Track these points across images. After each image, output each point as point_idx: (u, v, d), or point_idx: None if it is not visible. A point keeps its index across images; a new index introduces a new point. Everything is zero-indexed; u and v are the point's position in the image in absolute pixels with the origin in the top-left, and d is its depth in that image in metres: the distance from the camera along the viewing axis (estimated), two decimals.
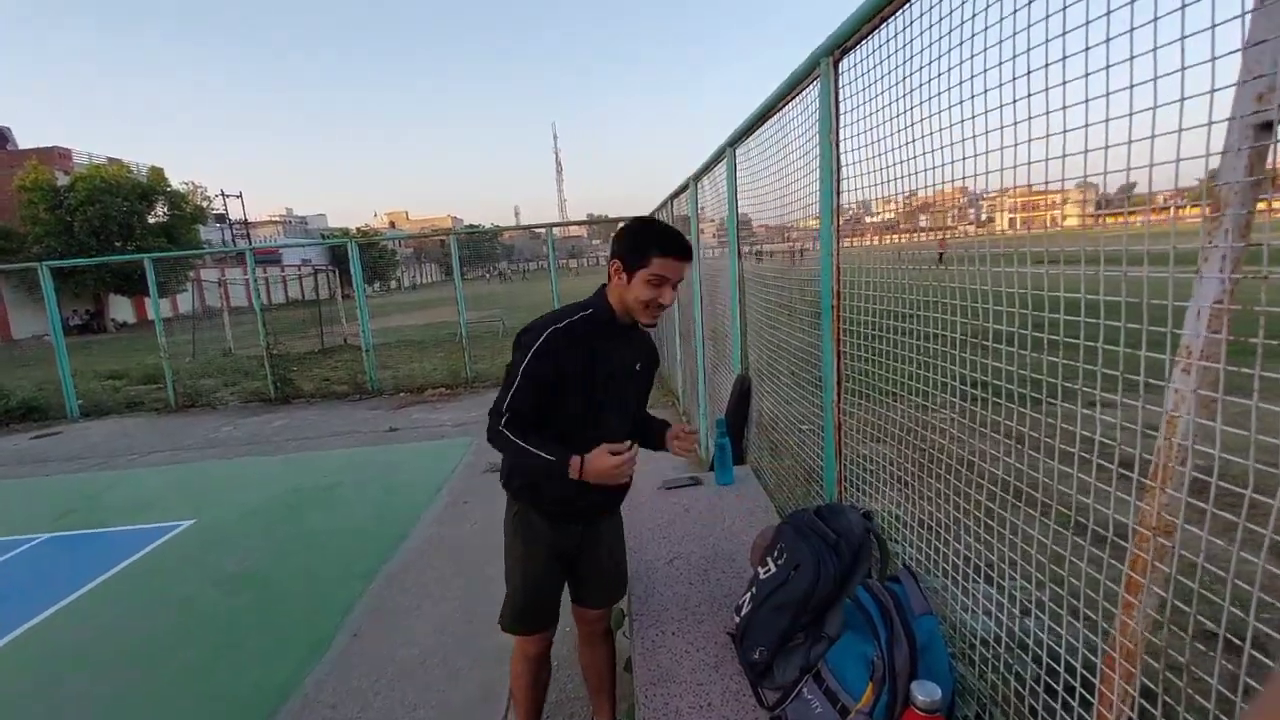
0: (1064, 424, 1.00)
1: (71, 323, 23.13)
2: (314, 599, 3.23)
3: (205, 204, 28.44)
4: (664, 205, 6.70)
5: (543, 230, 10.15)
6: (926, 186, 1.42)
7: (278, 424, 7.29)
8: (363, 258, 8.88)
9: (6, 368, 10.84)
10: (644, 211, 8.87)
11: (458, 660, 2.63)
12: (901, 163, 1.42)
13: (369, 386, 8.59)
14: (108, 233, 23.50)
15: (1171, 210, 0.87)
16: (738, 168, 2.96)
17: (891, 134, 1.43)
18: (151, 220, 25.33)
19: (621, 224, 1.65)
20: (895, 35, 1.37)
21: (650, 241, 1.52)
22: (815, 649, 1.40)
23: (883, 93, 1.45)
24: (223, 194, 37.05)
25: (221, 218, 37.70)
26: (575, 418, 1.63)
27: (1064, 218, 1.40)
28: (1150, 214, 0.95)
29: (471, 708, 2.35)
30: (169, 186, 25.95)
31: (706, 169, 3.85)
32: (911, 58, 1.30)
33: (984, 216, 1.56)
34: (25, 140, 29.74)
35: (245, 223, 40.91)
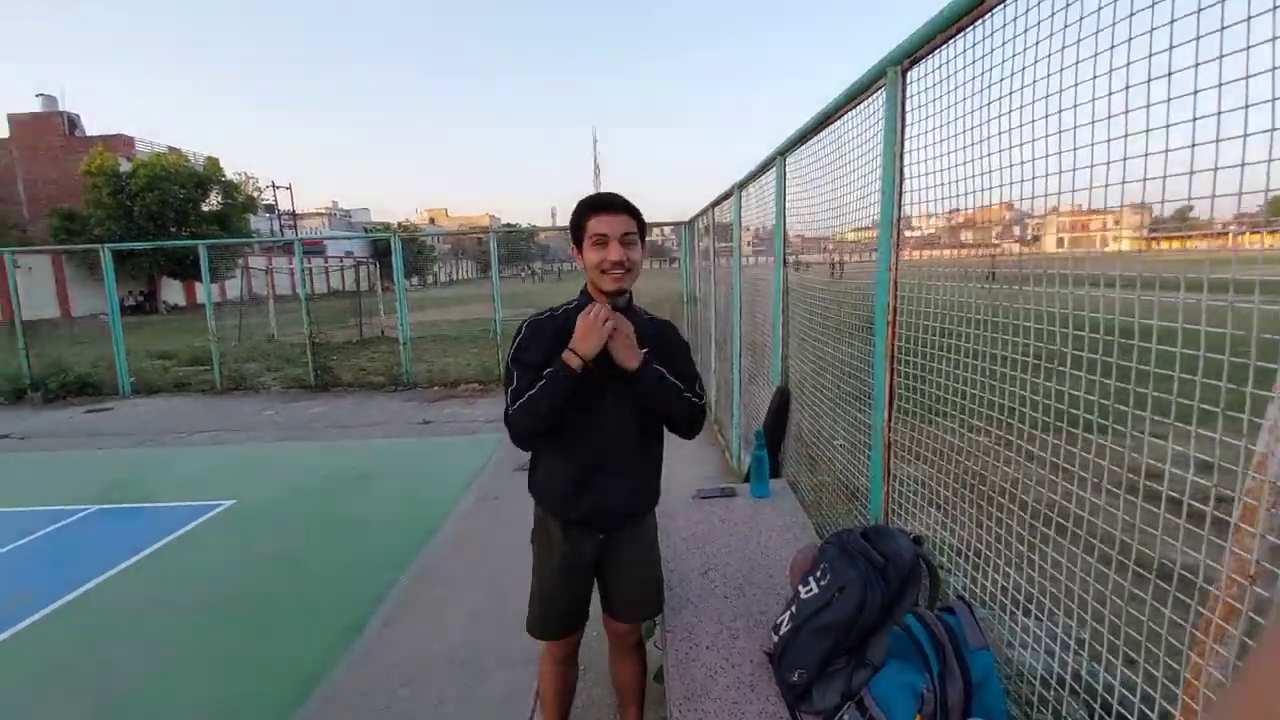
0: (1134, 455, 0.95)
1: (126, 303, 24.12)
2: (347, 586, 3.28)
3: (256, 194, 29.40)
4: (704, 212, 6.67)
5: None
6: (994, 203, 1.37)
7: (316, 410, 7.47)
8: (403, 252, 9.05)
9: (65, 343, 11.34)
10: (681, 217, 8.85)
11: (486, 658, 2.64)
12: (970, 178, 1.38)
13: (404, 379, 8.74)
14: (164, 218, 24.45)
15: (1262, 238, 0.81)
16: (787, 176, 2.92)
17: (962, 147, 1.38)
18: (205, 208, 26.29)
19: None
20: (972, 46, 1.33)
21: (581, 210, 1.63)
22: (858, 675, 1.36)
23: (954, 105, 1.40)
24: (273, 185, 38.29)
25: (271, 208, 38.95)
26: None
27: (1124, 239, 1.33)
28: (1239, 239, 0.89)
29: (498, 706, 2.35)
30: (223, 176, 26.89)
31: (753, 177, 3.80)
32: (990, 70, 1.25)
33: (1059, 237, 1.50)
34: (92, 128, 31.18)
35: (293, 214, 42.18)
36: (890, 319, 1.67)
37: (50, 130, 29.61)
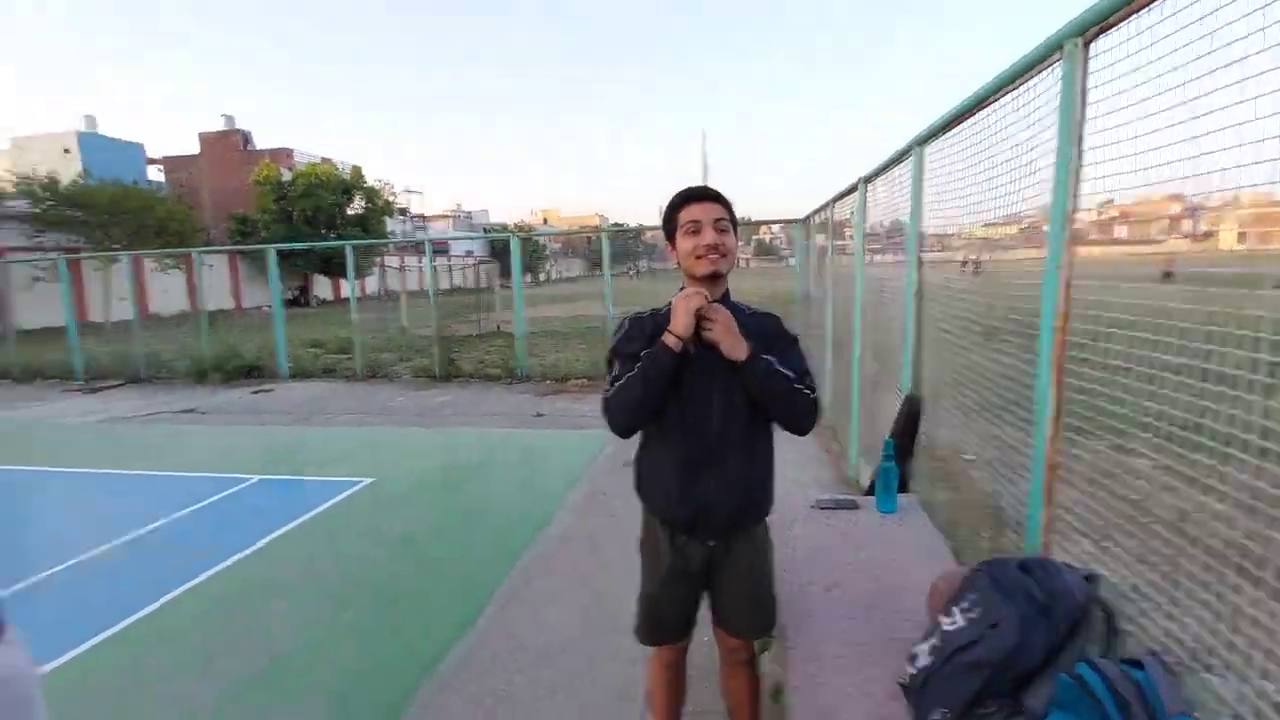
0: None
1: (285, 297, 27.25)
2: (467, 571, 3.47)
3: (392, 199, 32.14)
4: (822, 208, 6.40)
5: None
6: (1195, 192, 1.17)
7: (441, 399, 7.99)
8: (520, 251, 9.46)
9: (237, 332, 12.97)
10: (788, 215, 8.56)
11: (597, 652, 2.67)
12: (1173, 163, 1.18)
13: (519, 372, 9.15)
14: (318, 221, 27.39)
15: None
16: (925, 168, 2.71)
17: (1164, 127, 1.19)
18: (350, 212, 29.14)
19: None
20: (1179, 11, 1.13)
21: (671, 205, 1.66)
22: None
23: (1154, 79, 1.21)
24: (408, 190, 41.67)
25: (404, 211, 42.37)
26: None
27: None
28: None
29: (609, 703, 2.36)
30: (365, 183, 29.66)
31: (882, 170, 3.58)
32: (1201, 38, 1.06)
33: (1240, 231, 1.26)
34: (259, 143, 35.48)
35: (423, 216, 45.65)
36: (1060, 324, 1.48)
37: (229, 146, 34.11)
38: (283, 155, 32.62)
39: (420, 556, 3.67)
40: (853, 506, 2.53)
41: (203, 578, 3.43)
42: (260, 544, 3.83)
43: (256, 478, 5.08)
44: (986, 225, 2.27)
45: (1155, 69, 1.22)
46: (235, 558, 3.66)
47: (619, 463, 5.04)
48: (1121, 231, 1.80)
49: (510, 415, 7.02)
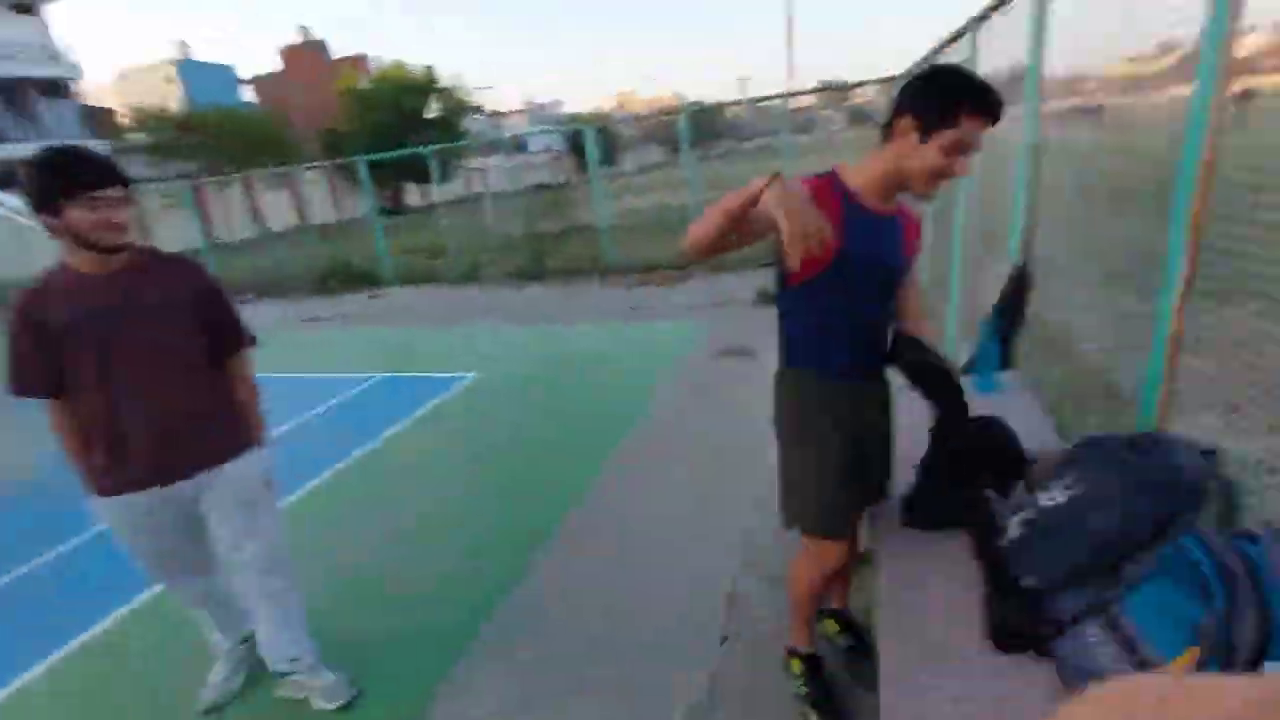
0: None
1: (381, 206, 28.43)
2: (572, 454, 3.76)
3: (467, 98, 31.71)
4: (925, 60, 5.67)
5: (769, 103, 9.42)
6: None
7: (532, 296, 8.29)
8: (597, 143, 9.21)
9: (343, 241, 13.80)
10: (889, 73, 7.66)
11: (699, 529, 2.87)
12: None
13: (607, 266, 9.22)
14: (399, 129, 27.71)
15: None
16: None
17: None
18: (428, 116, 29.17)
19: (915, 75, 1.35)
20: None
21: (964, 95, 1.25)
22: (1106, 594, 1.22)
23: None
24: (477, 88, 40.87)
25: (479, 109, 41.84)
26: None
27: None
28: None
29: (706, 578, 2.54)
30: (439, 84, 29.33)
31: (997, 5, 3.08)
32: None
33: None
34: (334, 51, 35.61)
35: (498, 113, 44.96)
36: (1203, 174, 1.29)
37: (310, 59, 34.49)
38: (359, 62, 32.68)
39: (529, 440, 4.03)
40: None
41: (337, 467, 3.94)
42: (388, 432, 4.32)
43: (379, 375, 5.63)
44: (1130, 60, 1.94)
45: None
46: (366, 448, 4.16)
47: (714, 352, 5.10)
48: None
49: (602, 310, 7.19)
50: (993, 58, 3.42)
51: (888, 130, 1.36)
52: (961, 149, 1.28)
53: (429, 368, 5.74)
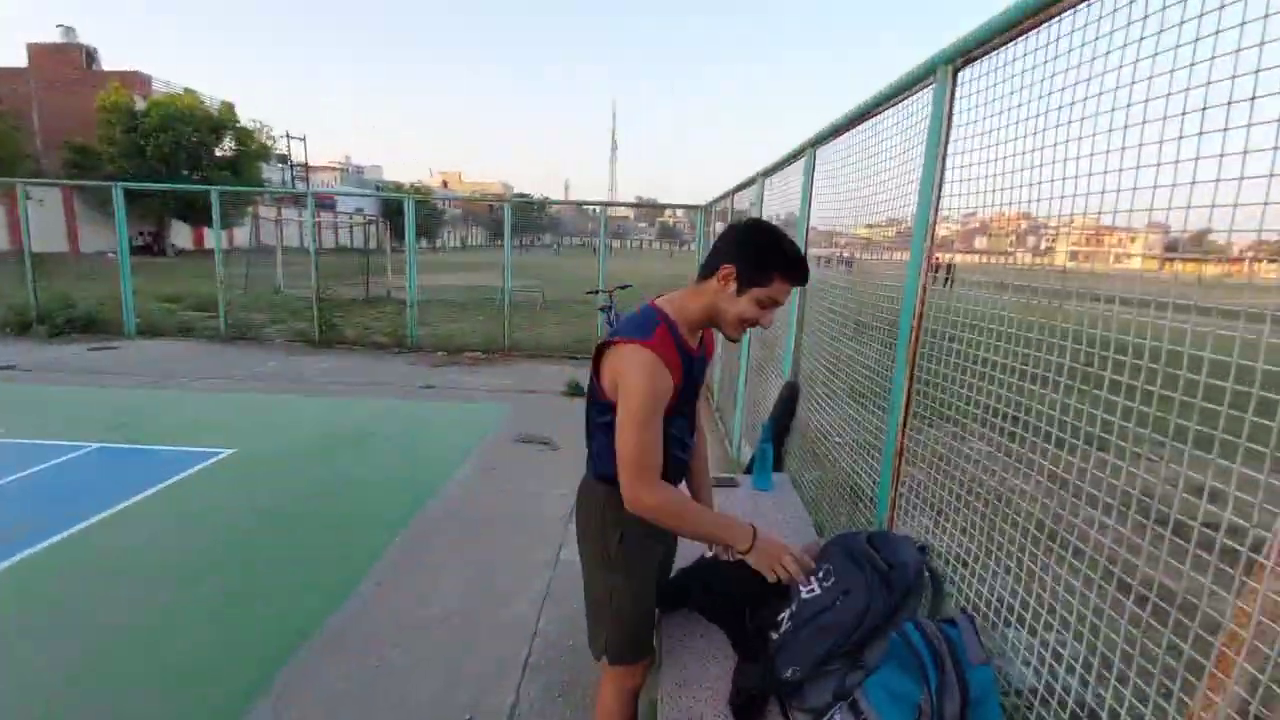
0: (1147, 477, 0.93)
1: (134, 243, 23.99)
2: (342, 543, 3.30)
3: (269, 143, 29.15)
4: (723, 198, 6.60)
5: (590, 207, 10.12)
6: (1054, 216, 1.33)
7: (320, 366, 7.47)
8: (415, 214, 8.98)
9: (72, 279, 11.32)
10: (694, 200, 8.76)
11: (477, 626, 2.66)
12: (1019, 187, 1.34)
13: (409, 341, 8.73)
14: (177, 160, 24.28)
15: None
16: (816, 169, 2.87)
17: (1012, 154, 1.34)
18: (218, 153, 26.10)
19: (741, 224, 1.48)
20: (1034, 50, 1.28)
21: (778, 262, 1.39)
22: (851, 677, 1.36)
23: (1006, 110, 1.36)
24: (288, 135, 37.90)
25: (284, 158, 38.61)
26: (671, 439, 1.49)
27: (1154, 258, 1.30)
28: None
29: (487, 677, 2.37)
30: (237, 122, 26.64)
31: (779, 166, 3.75)
32: (1051, 77, 1.21)
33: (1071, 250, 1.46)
34: (109, 64, 30.77)
35: (306, 166, 41.82)
36: (915, 324, 1.64)
37: (68, 62, 29.26)
38: (136, 81, 28.47)
39: (292, 526, 3.45)
40: (732, 484, 2.68)
41: (19, 557, 3.02)
42: (98, 517, 3.43)
43: (95, 445, 4.51)
44: (868, 226, 2.45)
45: (1009, 102, 1.37)
46: (68, 531, 3.25)
47: (510, 438, 4.99)
48: (981, 243, 2.02)
49: (396, 385, 6.70)
50: (773, 203, 4.11)
51: (707, 271, 1.45)
52: (771, 304, 1.42)
53: (170, 440, 4.76)
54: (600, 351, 1.48)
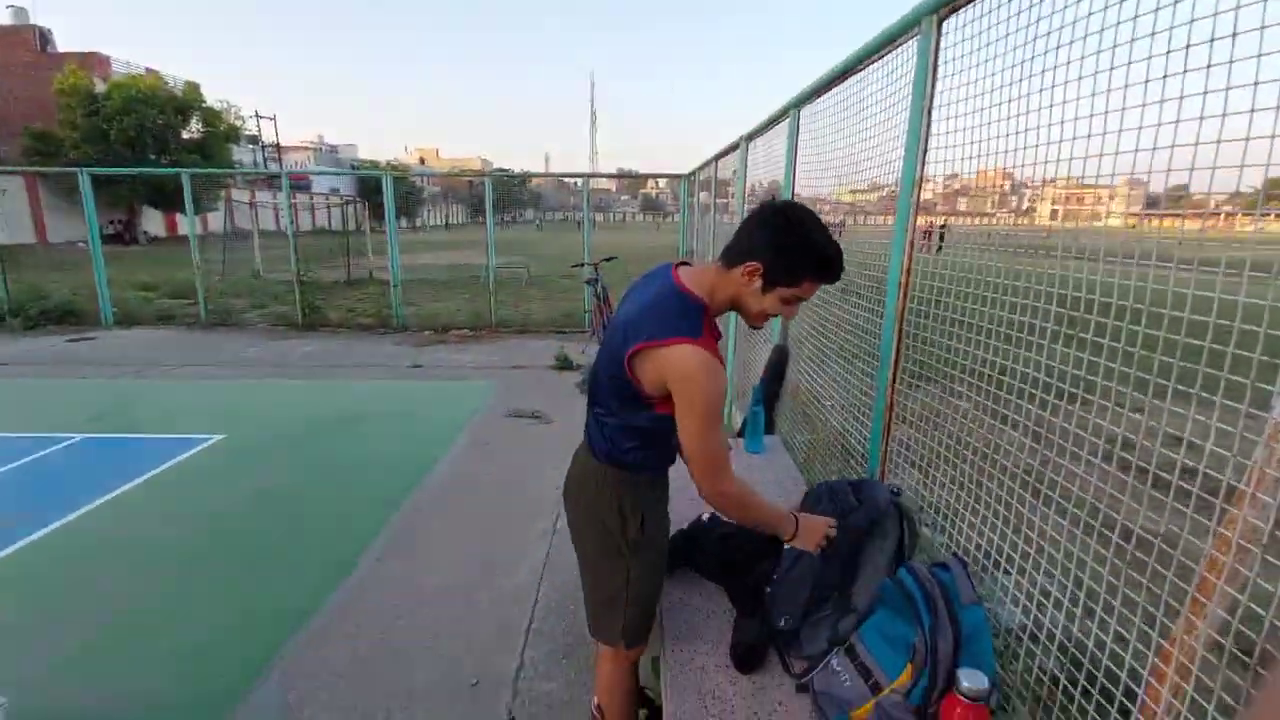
0: (1136, 421, 0.96)
1: (105, 231, 23.34)
2: (339, 523, 3.32)
3: (239, 124, 28.28)
4: (706, 165, 6.53)
5: (572, 180, 9.99)
6: (1033, 164, 1.33)
7: (305, 350, 7.39)
8: (393, 193, 8.81)
9: (43, 271, 11.05)
10: (678, 169, 8.66)
11: (478, 597, 2.70)
12: (1005, 136, 1.34)
13: (394, 322, 8.65)
14: (142, 144, 23.51)
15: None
16: (800, 130, 2.84)
17: (997, 105, 1.34)
18: (186, 136, 25.30)
19: (774, 212, 1.35)
20: None
21: (810, 265, 1.32)
22: (844, 622, 1.41)
23: (994, 58, 1.35)
24: (257, 115, 36.80)
25: (254, 139, 37.56)
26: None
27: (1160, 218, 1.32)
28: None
29: (490, 644, 2.41)
30: (204, 103, 25.78)
31: (763, 129, 3.71)
32: (1040, 20, 1.20)
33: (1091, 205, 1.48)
34: (66, 45, 29.56)
35: (278, 146, 40.73)
36: (903, 280, 1.65)
37: (21, 44, 28.04)
38: (95, 62, 27.37)
39: (288, 509, 3.45)
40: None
41: (12, 549, 3.00)
42: (89, 506, 3.40)
43: (79, 436, 4.45)
44: (852, 191, 2.45)
45: (997, 49, 1.36)
46: (60, 522, 3.23)
47: (501, 413, 4.99)
48: (963, 203, 2.02)
49: (384, 366, 6.66)
50: (756, 169, 4.07)
51: (732, 257, 1.36)
52: (796, 301, 1.37)
53: (156, 428, 4.72)
54: (632, 350, 1.32)
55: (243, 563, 2.94)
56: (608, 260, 8.09)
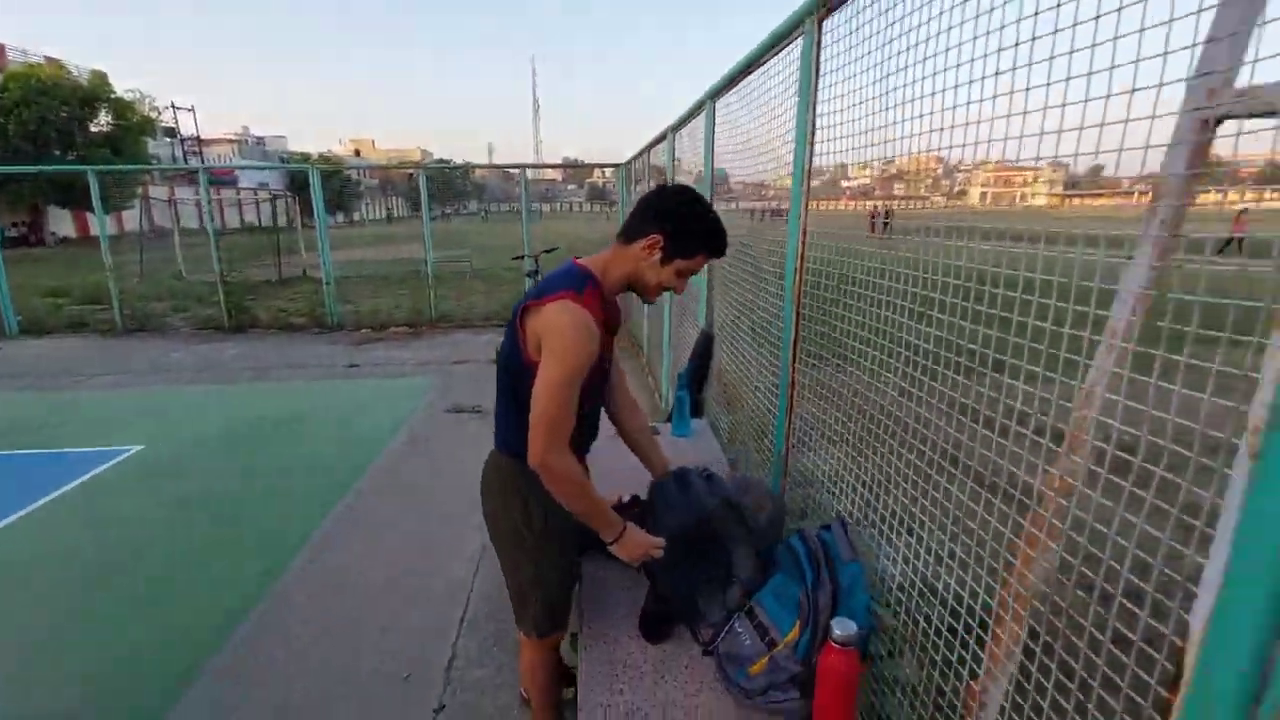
0: (992, 394, 1.08)
1: (7, 234, 21.69)
2: (269, 527, 3.25)
3: (154, 115, 26.61)
4: (640, 155, 6.58)
5: (515, 171, 9.88)
6: (902, 155, 1.44)
7: (232, 352, 7.10)
8: (325, 186, 8.52)
9: None
10: (618, 159, 8.69)
11: (414, 590, 2.70)
12: (879, 129, 1.44)
13: (329, 320, 8.40)
14: (45, 139, 21.87)
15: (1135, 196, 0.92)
16: (717, 122, 2.93)
17: (871, 98, 1.44)
18: (94, 129, 23.64)
19: (668, 191, 1.50)
20: None
21: (704, 237, 1.43)
22: (730, 592, 1.50)
23: (864, 56, 1.45)
24: (173, 106, 34.69)
25: (172, 132, 35.44)
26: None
27: (1030, 196, 1.45)
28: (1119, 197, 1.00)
29: (426, 636, 2.42)
30: (113, 94, 24.13)
31: (684, 121, 3.78)
32: (900, 20, 1.30)
33: (956, 189, 1.60)
34: None
35: (198, 139, 38.54)
36: (799, 265, 1.75)
37: None
38: None
39: (216, 515, 3.36)
40: (654, 433, 2.78)
41: None
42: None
43: None
44: (757, 183, 2.55)
45: (868, 46, 1.46)
46: None
47: (440, 409, 4.95)
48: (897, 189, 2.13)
49: (318, 367, 6.47)
50: (685, 156, 4.16)
51: (630, 234, 1.43)
52: (689, 273, 1.47)
53: (68, 442, 4.47)
54: (522, 314, 1.39)
55: (166, 571, 2.86)
56: (549, 251, 8.06)
